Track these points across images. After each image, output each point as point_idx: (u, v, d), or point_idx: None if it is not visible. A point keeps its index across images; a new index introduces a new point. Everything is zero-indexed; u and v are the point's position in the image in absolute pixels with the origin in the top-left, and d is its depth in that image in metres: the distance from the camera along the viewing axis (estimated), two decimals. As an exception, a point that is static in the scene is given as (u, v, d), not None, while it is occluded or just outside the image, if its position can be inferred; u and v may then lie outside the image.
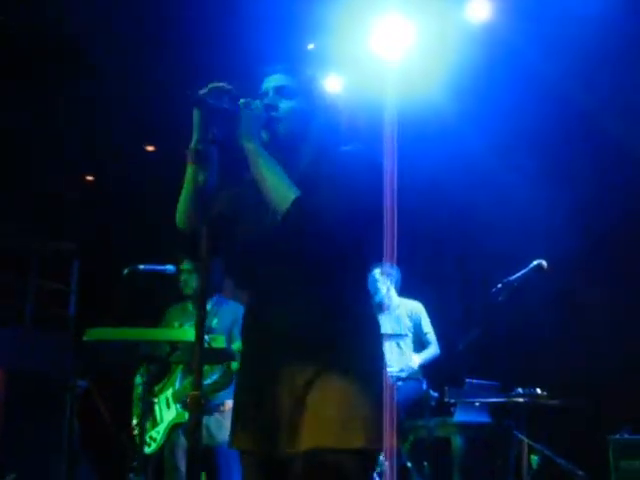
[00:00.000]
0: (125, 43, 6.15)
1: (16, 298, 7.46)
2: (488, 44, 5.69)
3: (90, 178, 8.99)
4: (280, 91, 2.15)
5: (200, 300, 1.93)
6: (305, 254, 2.01)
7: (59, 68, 6.38)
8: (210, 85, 1.99)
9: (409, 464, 5.15)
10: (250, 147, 2.02)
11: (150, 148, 8.36)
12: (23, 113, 6.94)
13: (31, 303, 7.43)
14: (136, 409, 4.36)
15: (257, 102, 2.08)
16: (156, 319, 4.63)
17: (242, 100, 2.05)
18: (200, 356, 1.89)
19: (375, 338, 2.12)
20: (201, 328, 1.89)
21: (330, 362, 1.96)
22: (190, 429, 1.86)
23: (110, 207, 8.13)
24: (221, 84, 1.99)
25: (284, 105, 2.13)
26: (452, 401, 4.58)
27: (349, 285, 2.07)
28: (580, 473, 4.61)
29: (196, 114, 2.03)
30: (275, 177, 2.01)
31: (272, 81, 2.17)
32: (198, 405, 1.86)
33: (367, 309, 2.13)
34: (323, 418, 1.90)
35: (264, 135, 2.10)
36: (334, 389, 1.93)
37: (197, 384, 1.87)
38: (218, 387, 4.22)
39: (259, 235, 2.11)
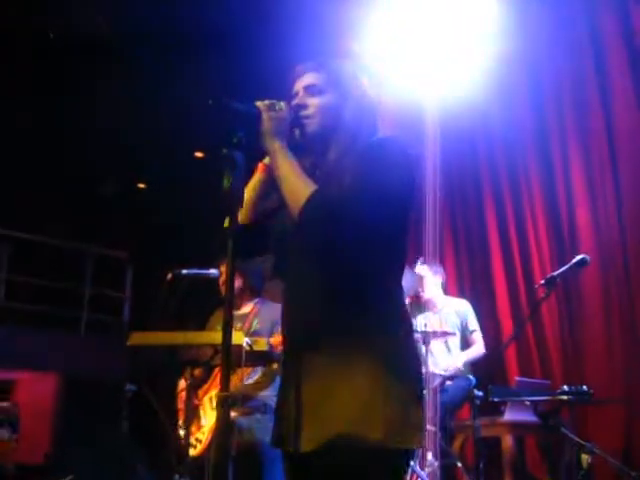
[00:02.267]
0: (176, 50, 6.27)
1: (72, 305, 7.66)
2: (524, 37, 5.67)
3: (142, 186, 9.18)
4: (309, 89, 2.16)
5: (227, 301, 1.95)
6: (327, 253, 2.00)
7: (113, 79, 6.53)
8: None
9: (459, 464, 5.12)
10: (270, 148, 2.04)
11: (199, 155, 8.50)
12: (78, 123, 7.12)
13: (86, 310, 7.62)
14: (181, 413, 4.42)
15: (281, 103, 2.09)
16: (202, 323, 4.70)
17: (266, 101, 2.07)
18: (227, 358, 1.92)
19: (405, 336, 2.05)
20: (228, 329, 1.92)
21: (354, 360, 1.93)
22: (218, 429, 1.90)
23: (162, 214, 8.27)
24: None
25: (313, 102, 2.13)
26: (496, 400, 4.52)
27: (377, 282, 2.03)
28: (633, 474, 4.52)
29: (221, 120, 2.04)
30: (292, 176, 2.01)
31: (302, 81, 2.18)
32: (226, 405, 1.90)
33: (397, 306, 2.06)
34: (346, 417, 1.89)
35: (296, 134, 2.12)
36: (358, 386, 1.90)
37: (225, 385, 1.90)
38: (259, 386, 4.26)
39: (286, 235, 2.12)
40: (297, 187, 2.00)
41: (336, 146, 2.12)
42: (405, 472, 2.10)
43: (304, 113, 2.13)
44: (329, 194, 1.96)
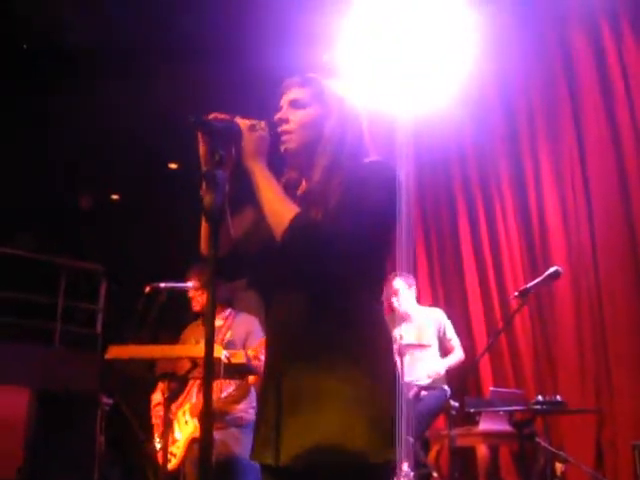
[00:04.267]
0: (149, 61, 6.26)
1: (45, 317, 7.59)
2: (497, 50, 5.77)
3: (115, 197, 9.15)
4: (293, 104, 2.17)
5: (209, 319, 1.96)
6: (310, 273, 2.02)
7: (86, 87, 6.51)
8: (213, 115, 2.02)
9: (435, 474, 5.16)
10: (252, 169, 2.04)
11: (173, 166, 8.49)
12: (50, 133, 7.09)
13: (60, 322, 7.55)
14: (156, 427, 4.42)
15: (262, 123, 2.09)
16: (177, 336, 4.70)
17: (247, 121, 2.07)
18: (209, 372, 1.93)
19: (386, 349, 2.10)
20: (210, 344, 1.94)
21: (338, 376, 1.96)
22: (201, 443, 1.90)
23: (136, 225, 8.24)
24: (223, 116, 2.02)
25: (295, 117, 2.14)
26: (472, 410, 4.58)
27: (359, 299, 2.06)
28: (606, 480, 4.60)
29: (200, 137, 2.02)
30: (274, 198, 2.01)
31: (288, 96, 2.19)
32: (208, 419, 1.91)
33: (378, 321, 2.11)
34: (327, 431, 1.91)
35: (282, 150, 2.14)
36: (343, 401, 1.93)
37: (207, 399, 1.91)
38: (234, 399, 4.27)
39: (267, 256, 2.12)
40: (280, 210, 1.99)
41: (319, 161, 2.11)
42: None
43: (285, 128, 2.13)
44: (313, 217, 1.98)
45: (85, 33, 6.06)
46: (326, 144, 2.12)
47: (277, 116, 2.16)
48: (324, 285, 2.02)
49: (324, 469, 1.90)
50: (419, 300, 6.07)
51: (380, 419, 1.95)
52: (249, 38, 6.05)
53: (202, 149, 2.03)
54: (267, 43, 5.89)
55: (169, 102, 6.36)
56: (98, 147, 7.32)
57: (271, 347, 2.14)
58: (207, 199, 1.97)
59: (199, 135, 2.03)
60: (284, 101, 2.19)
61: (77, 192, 8.67)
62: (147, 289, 4.09)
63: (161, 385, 4.29)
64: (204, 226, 2.16)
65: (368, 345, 2.03)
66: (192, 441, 4.21)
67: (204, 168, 2.03)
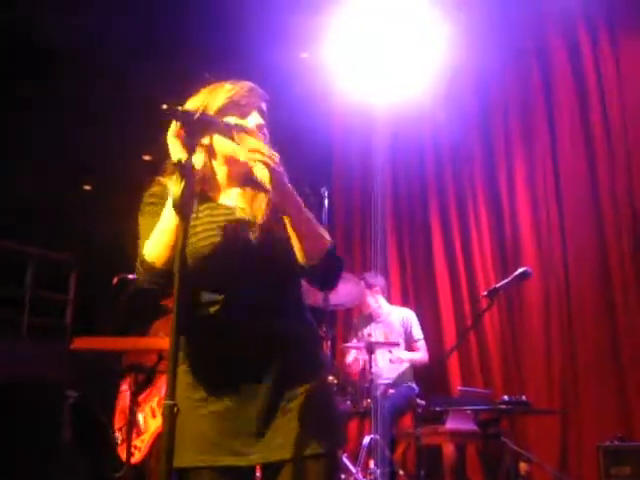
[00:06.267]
0: (120, 51, 6.20)
1: (13, 308, 7.49)
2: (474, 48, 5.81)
3: (87, 187, 9.05)
4: (264, 117, 2.11)
5: (176, 309, 1.92)
6: (284, 273, 2.05)
7: (61, 76, 6.43)
8: (185, 107, 1.97)
9: (401, 472, 5.17)
10: (290, 192, 1.93)
11: (147, 157, 8.41)
12: (23, 122, 7.00)
13: (28, 313, 7.45)
14: (119, 417, 4.38)
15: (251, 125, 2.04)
16: (146, 328, 4.66)
17: (274, 153, 1.94)
18: (174, 366, 1.91)
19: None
20: (176, 339, 1.91)
21: (297, 373, 2.01)
22: (164, 438, 1.88)
23: (107, 216, 8.16)
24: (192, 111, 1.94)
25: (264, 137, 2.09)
26: (438, 409, 4.60)
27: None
28: (570, 480, 4.64)
29: (175, 126, 1.91)
30: (312, 220, 1.99)
31: (262, 106, 2.12)
32: (171, 414, 1.89)
33: None
34: (293, 429, 1.95)
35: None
36: (303, 398, 1.99)
37: (170, 393, 1.89)
38: None
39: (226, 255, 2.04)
40: (320, 233, 2.00)
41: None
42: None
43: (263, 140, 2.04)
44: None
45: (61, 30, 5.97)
46: None
47: (260, 122, 2.08)
48: (292, 281, 2.09)
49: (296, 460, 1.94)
50: (390, 298, 6.08)
51: (335, 412, 2.08)
52: (228, 34, 6.01)
53: (173, 138, 1.94)
54: (247, 42, 5.85)
55: (146, 94, 6.30)
56: (71, 136, 7.23)
57: (225, 348, 2.04)
58: (176, 190, 1.89)
59: (172, 124, 1.97)
60: (260, 110, 2.11)
61: (48, 182, 8.56)
62: (115, 280, 4.05)
63: (128, 377, 4.24)
64: (169, 218, 2.02)
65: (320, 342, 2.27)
66: (160, 435, 4.16)
67: (175, 158, 1.97)
